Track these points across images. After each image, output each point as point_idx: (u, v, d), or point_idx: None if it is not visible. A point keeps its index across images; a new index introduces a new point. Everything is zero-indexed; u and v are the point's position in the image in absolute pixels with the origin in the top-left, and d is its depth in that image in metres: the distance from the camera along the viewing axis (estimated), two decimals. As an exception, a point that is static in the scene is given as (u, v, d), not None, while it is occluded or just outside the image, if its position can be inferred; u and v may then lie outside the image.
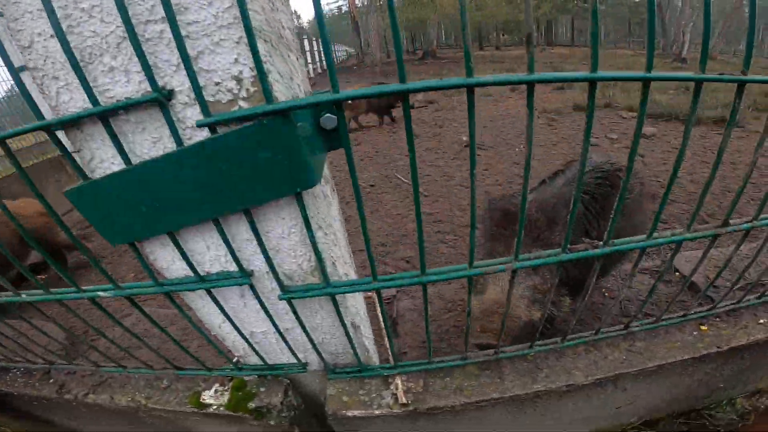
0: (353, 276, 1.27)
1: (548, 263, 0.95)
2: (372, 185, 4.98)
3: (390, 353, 1.26)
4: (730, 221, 1.01)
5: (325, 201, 0.99)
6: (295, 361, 1.25)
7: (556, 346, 1.31)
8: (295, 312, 1.03)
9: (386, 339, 1.24)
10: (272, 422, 1.31)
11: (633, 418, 1.71)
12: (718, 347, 1.28)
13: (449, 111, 8.25)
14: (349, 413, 1.21)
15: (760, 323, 1.37)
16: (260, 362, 1.28)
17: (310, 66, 21.64)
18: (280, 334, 1.12)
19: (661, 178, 4.40)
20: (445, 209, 4.15)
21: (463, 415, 1.26)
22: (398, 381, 1.25)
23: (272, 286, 1.01)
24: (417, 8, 21.24)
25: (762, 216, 1.04)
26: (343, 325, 1.06)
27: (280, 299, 0.97)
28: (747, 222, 1.03)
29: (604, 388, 1.32)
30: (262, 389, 1.33)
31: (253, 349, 1.20)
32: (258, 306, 1.03)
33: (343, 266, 1.13)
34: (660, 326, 1.35)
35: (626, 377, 1.28)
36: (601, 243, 0.97)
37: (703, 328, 1.36)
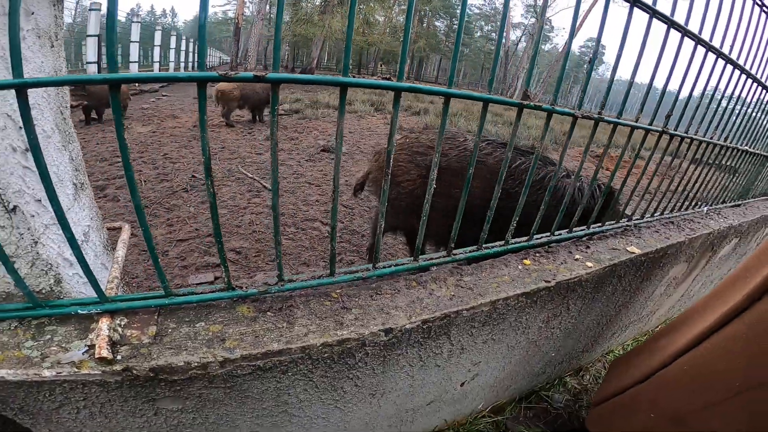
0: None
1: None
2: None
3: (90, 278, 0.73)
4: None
5: None
6: None
7: (367, 273, 0.99)
8: None
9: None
10: None
11: (480, 402, 1.56)
12: (546, 281, 1.15)
13: (312, 120, 8.47)
14: (-9, 377, 0.64)
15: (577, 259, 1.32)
16: None
17: (182, 65, 19.72)
18: None
19: None
20: (290, 203, 4.09)
21: (231, 384, 0.81)
22: (103, 323, 0.73)
23: None
24: (306, 25, 21.16)
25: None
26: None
27: None
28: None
29: (437, 341, 1.04)
30: None
31: None
32: None
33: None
34: (484, 254, 1.19)
35: (459, 322, 1.03)
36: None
37: (526, 261, 1.25)
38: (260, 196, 4.12)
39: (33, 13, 0.65)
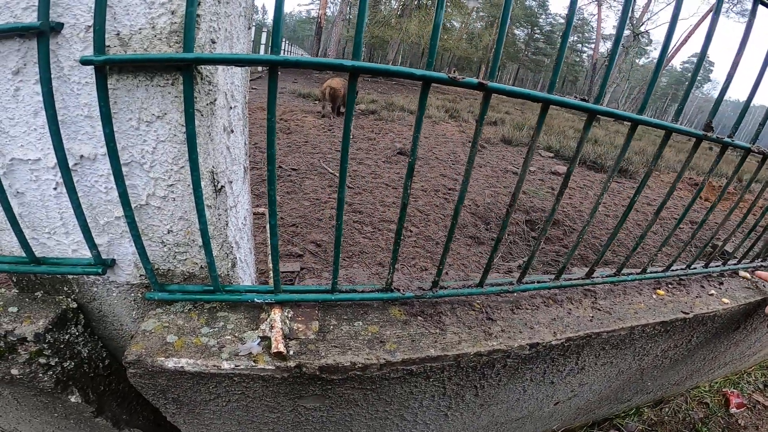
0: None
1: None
2: (294, 169, 4.78)
3: (271, 269, 0.71)
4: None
5: None
6: (87, 251, 0.64)
7: (512, 288, 0.92)
8: (104, 97, 0.47)
9: (269, 245, 0.69)
10: (15, 371, 0.68)
11: (557, 423, 1.56)
12: (684, 312, 1.12)
13: (388, 122, 8.46)
14: (170, 364, 0.63)
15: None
16: (18, 249, 0.65)
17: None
18: (66, 173, 0.53)
19: (566, 208, 4.78)
20: (368, 202, 4.10)
21: (376, 387, 0.77)
22: (276, 315, 0.70)
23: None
24: (383, 28, 21.50)
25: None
26: (194, 168, 0.52)
27: (83, 62, 0.43)
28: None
29: (567, 359, 1.01)
30: (12, 309, 0.69)
31: (8, 216, 0.58)
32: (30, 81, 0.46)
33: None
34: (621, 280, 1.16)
35: (594, 343, 1.00)
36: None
37: (660, 291, 1.22)
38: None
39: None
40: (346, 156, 0.61)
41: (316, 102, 8.39)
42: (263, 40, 19.58)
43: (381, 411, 0.93)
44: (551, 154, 7.63)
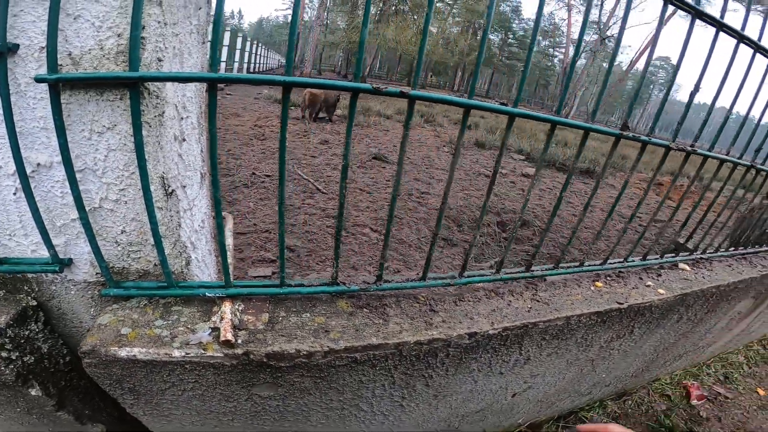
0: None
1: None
2: (268, 175, 4.81)
3: (221, 264, 0.78)
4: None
5: None
6: (45, 251, 0.70)
7: (454, 281, 1.00)
8: (57, 111, 0.53)
9: (216, 241, 0.76)
10: (-25, 368, 0.72)
11: (521, 417, 1.62)
12: (618, 303, 1.19)
13: (364, 127, 8.57)
14: (123, 353, 0.69)
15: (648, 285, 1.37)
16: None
17: (245, 66, 20.85)
18: (24, 180, 0.59)
19: (536, 209, 5.02)
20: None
21: (325, 375, 0.84)
22: (227, 307, 0.76)
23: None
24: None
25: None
26: (143, 174, 0.58)
27: (37, 80, 0.49)
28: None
29: (509, 349, 1.08)
30: (-28, 307, 0.73)
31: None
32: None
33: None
34: (560, 273, 1.24)
35: (533, 333, 1.07)
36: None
37: (598, 284, 1.30)
38: (314, 197, 4.21)
39: (201, 8, 0.70)
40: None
41: (293, 108, 8.43)
42: (239, 44, 19.46)
43: (336, 400, 0.99)
44: (522, 157, 7.88)
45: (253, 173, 4.53)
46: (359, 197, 4.46)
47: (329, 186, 4.70)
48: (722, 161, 1.33)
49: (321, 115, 8.51)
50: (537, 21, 0.76)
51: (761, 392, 2.28)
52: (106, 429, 1.11)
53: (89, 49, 0.58)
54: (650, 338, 1.56)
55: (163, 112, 0.64)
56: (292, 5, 0.58)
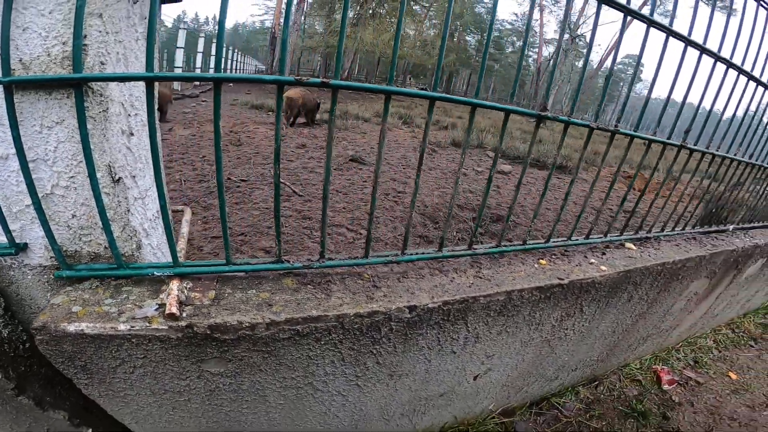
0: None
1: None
2: (244, 180, 4.84)
3: (168, 246, 0.86)
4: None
5: None
6: (3, 237, 0.77)
7: (396, 258, 1.09)
8: (11, 109, 0.62)
9: (161, 220, 0.84)
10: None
11: (491, 403, 1.62)
12: (559, 278, 1.23)
13: (342, 130, 8.66)
14: (71, 328, 0.76)
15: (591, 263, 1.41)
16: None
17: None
18: None
19: (509, 204, 5.31)
20: (317, 209, 4.16)
21: (271, 349, 0.92)
22: (174, 285, 0.85)
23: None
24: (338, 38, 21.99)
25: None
26: (89, 162, 0.67)
27: None
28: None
29: (455, 325, 1.13)
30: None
31: None
32: None
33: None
34: (502, 251, 1.30)
35: (476, 308, 1.12)
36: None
37: (542, 261, 1.34)
38: (290, 200, 4.28)
39: (146, 18, 0.79)
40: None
41: (270, 113, 8.45)
42: (213, 51, 19.57)
43: (288, 378, 1.04)
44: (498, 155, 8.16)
45: (229, 178, 4.57)
46: (335, 198, 4.53)
47: (306, 188, 4.75)
48: (650, 141, 1.39)
49: (301, 120, 8.52)
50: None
51: (733, 376, 2.28)
52: (93, 428, 1.16)
53: (38, 56, 0.66)
54: (604, 318, 1.59)
55: (107, 109, 0.73)
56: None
